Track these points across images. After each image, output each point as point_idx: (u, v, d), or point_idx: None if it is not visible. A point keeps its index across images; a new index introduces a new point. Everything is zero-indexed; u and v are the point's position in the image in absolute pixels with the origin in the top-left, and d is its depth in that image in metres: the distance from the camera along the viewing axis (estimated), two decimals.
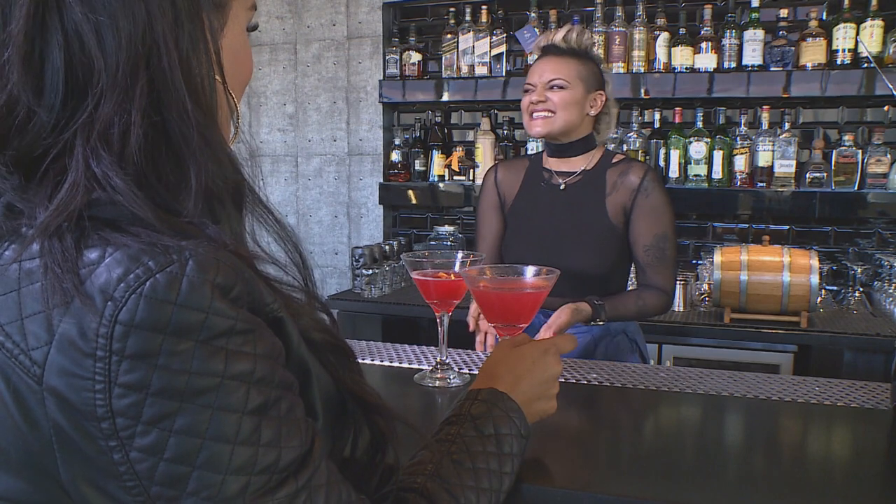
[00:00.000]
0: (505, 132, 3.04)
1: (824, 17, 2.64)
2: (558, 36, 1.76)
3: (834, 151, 2.59)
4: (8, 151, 0.55)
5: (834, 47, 2.53)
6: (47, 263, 0.50)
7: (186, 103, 0.55)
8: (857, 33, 2.50)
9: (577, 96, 1.74)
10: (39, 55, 0.53)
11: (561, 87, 1.73)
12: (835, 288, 2.72)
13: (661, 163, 2.77)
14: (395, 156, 3.16)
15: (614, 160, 1.81)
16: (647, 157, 2.80)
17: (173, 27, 0.55)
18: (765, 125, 2.66)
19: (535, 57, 1.82)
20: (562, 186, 1.81)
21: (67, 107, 0.54)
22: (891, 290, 2.47)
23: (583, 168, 1.80)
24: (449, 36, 2.98)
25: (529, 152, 2.94)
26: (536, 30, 2.83)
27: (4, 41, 0.53)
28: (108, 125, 0.53)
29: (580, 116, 1.76)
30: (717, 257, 2.36)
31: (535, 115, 1.75)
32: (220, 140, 0.59)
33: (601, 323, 1.65)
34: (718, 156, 2.69)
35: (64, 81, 0.53)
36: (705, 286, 2.62)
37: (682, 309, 2.56)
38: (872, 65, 2.44)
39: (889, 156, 2.55)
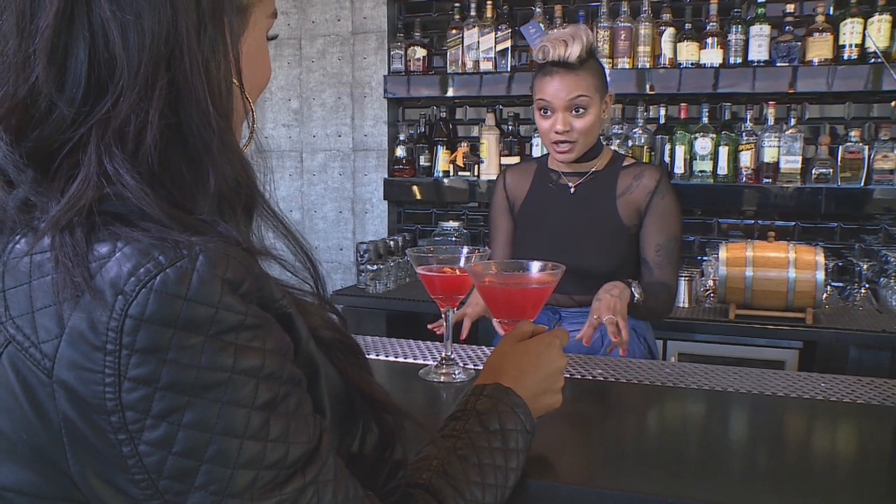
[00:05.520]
0: (510, 127, 3.04)
1: (831, 12, 2.63)
2: (571, 53, 1.66)
3: (840, 147, 2.58)
4: (26, 143, 0.55)
5: (841, 42, 2.52)
6: (58, 257, 0.50)
7: (205, 105, 0.55)
8: (865, 28, 2.49)
9: (596, 113, 1.71)
10: (64, 49, 0.53)
11: (584, 108, 1.69)
12: (840, 284, 2.71)
13: (667, 159, 2.76)
14: (400, 151, 3.15)
15: (625, 163, 1.82)
16: (653, 153, 2.79)
17: (196, 28, 0.55)
18: (770, 121, 2.65)
19: (539, 59, 1.72)
20: (572, 189, 1.81)
21: (87, 102, 0.54)
22: None
23: (593, 170, 1.81)
24: (454, 31, 2.98)
25: (534, 147, 2.94)
26: (541, 25, 2.82)
27: (32, 34, 0.53)
28: (125, 123, 0.53)
29: (598, 130, 1.76)
30: (723, 253, 2.35)
31: (558, 144, 1.73)
32: (234, 144, 0.59)
33: (638, 299, 1.61)
34: (724, 152, 2.68)
35: (86, 77, 0.54)
36: (710, 282, 2.62)
37: (687, 305, 2.55)
38: (880, 60, 2.43)
39: None
